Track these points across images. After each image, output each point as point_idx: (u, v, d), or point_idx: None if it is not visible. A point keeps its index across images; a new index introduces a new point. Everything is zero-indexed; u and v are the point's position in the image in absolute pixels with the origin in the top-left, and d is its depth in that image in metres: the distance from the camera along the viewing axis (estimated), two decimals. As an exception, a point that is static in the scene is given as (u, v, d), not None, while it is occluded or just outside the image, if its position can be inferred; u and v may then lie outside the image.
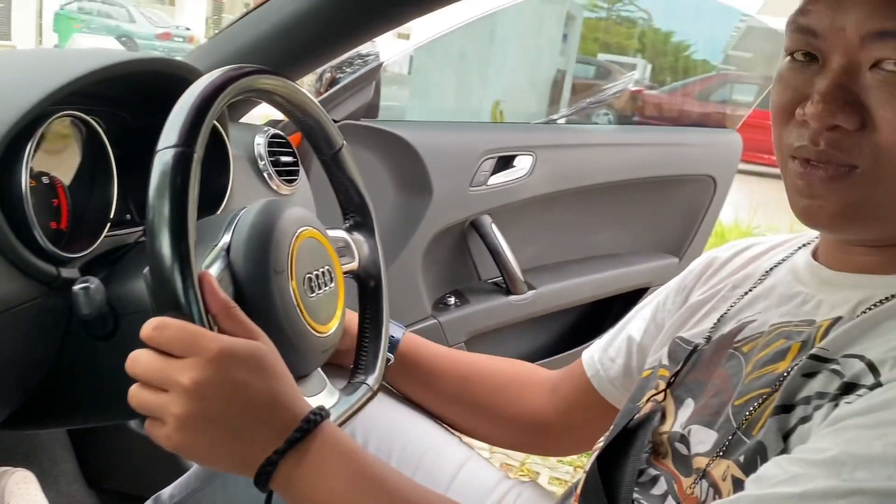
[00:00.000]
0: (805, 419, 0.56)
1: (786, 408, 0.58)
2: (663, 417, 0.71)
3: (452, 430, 1.02)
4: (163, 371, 0.57)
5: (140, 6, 15.20)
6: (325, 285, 0.79)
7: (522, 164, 1.68)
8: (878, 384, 0.52)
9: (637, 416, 0.74)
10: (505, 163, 1.66)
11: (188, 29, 15.14)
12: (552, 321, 1.89)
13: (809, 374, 0.58)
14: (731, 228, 5.46)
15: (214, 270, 0.69)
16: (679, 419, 0.70)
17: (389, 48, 1.49)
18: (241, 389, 0.57)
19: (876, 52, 0.54)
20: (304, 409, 0.60)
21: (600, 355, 0.92)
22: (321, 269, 0.79)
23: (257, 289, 0.71)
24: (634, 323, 0.90)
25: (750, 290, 0.73)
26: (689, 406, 0.70)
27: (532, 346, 1.89)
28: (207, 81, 0.67)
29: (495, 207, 1.65)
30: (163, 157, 0.61)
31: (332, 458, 0.60)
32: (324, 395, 0.78)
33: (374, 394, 0.84)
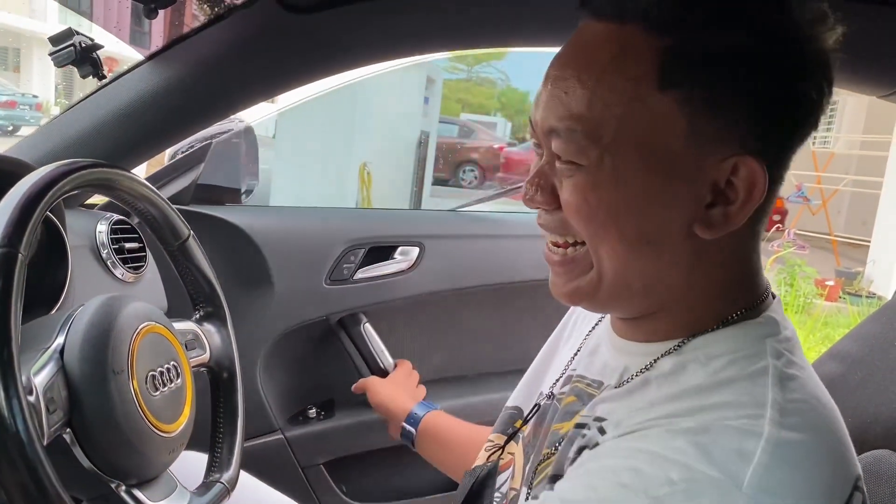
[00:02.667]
0: None
1: (557, 477, 0.61)
2: (513, 473, 0.74)
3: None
4: None
5: (-20, 73, 14.33)
6: (171, 382, 0.76)
7: (407, 255, 1.49)
8: (598, 444, 0.58)
9: (481, 472, 0.77)
10: (382, 254, 1.47)
11: (35, 97, 14.37)
12: None
13: (572, 442, 0.62)
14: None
15: (45, 375, 0.66)
16: (526, 476, 0.72)
17: (253, 111, 1.44)
18: None
19: (551, 145, 0.58)
20: None
21: None
22: (165, 366, 0.76)
23: (94, 392, 0.68)
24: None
25: (584, 340, 0.76)
26: (530, 462, 0.72)
27: (419, 482, 1.53)
28: (36, 178, 0.65)
29: (370, 304, 1.47)
30: None
31: None
32: (173, 499, 0.75)
33: (230, 492, 0.82)
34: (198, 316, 0.90)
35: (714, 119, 0.53)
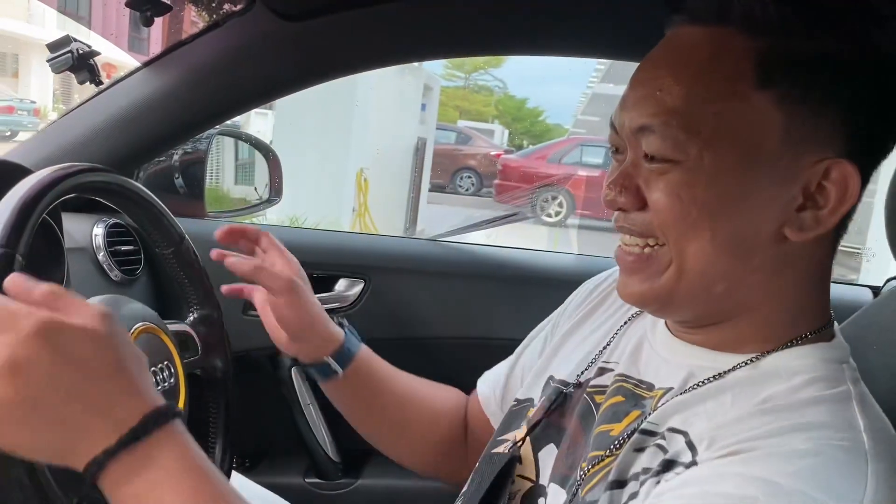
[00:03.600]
0: (634, 495, 0.57)
1: (619, 483, 0.59)
2: (521, 462, 0.71)
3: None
4: None
5: (-22, 79, 14.35)
6: (165, 381, 0.78)
7: (349, 290, 1.27)
8: (694, 463, 0.54)
9: (501, 462, 0.72)
10: (318, 286, 1.22)
11: (33, 102, 14.42)
12: None
13: (640, 449, 0.59)
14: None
15: None
16: (541, 467, 0.70)
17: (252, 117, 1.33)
18: (69, 372, 0.49)
19: (640, 145, 0.58)
20: (149, 403, 0.51)
21: (495, 393, 0.89)
22: (159, 366, 0.78)
23: None
24: (527, 357, 0.88)
25: (616, 333, 0.74)
26: (550, 453, 0.70)
27: None
28: (34, 181, 0.67)
29: None
30: None
31: (171, 468, 0.51)
32: None
33: None
34: (192, 318, 0.91)
35: (810, 119, 0.54)
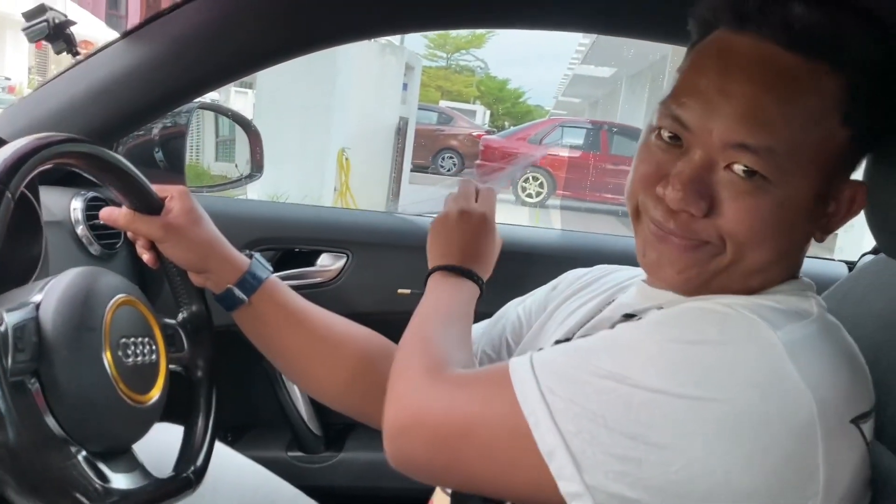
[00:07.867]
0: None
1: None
2: None
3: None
4: None
5: (-49, 54, 14.03)
6: (144, 355, 0.76)
7: (332, 264, 1.30)
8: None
9: None
10: (300, 260, 1.30)
11: (8, 79, 14.14)
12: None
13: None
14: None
15: (18, 316, 0.64)
16: None
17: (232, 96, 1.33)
18: None
19: (732, 157, 0.60)
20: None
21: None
22: (140, 339, 0.76)
23: (64, 343, 0.67)
24: (505, 323, 0.93)
25: (601, 310, 0.77)
26: None
27: None
28: (9, 151, 0.65)
29: None
30: None
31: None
32: (135, 476, 0.73)
33: (194, 487, 0.81)
34: (182, 317, 0.88)
35: (860, 154, 0.65)
